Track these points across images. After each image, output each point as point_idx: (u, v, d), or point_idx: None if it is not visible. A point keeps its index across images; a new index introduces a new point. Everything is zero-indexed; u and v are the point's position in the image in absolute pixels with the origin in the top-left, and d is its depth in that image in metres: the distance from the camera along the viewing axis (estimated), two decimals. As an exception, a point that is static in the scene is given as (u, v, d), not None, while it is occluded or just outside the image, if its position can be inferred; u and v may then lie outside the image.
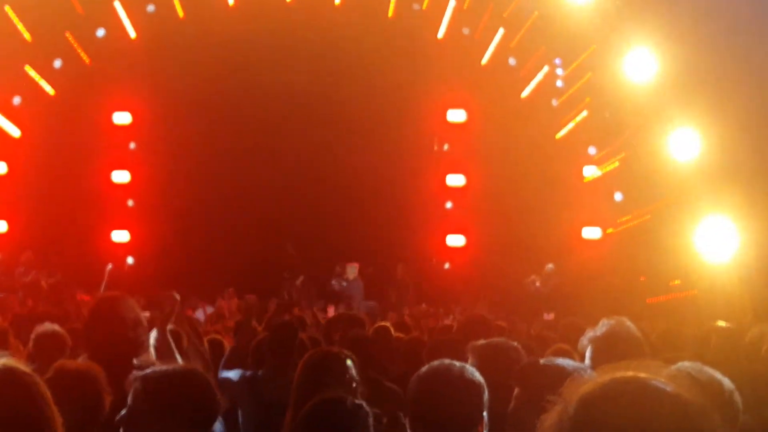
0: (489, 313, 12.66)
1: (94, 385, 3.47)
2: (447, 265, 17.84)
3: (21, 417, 2.22)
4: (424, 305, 15.40)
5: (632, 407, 1.27)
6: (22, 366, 2.34)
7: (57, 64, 16.93)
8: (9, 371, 2.27)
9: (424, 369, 2.70)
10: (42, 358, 5.14)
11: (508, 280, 16.51)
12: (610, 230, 16.09)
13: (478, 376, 2.71)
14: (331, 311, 14.39)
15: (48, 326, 5.82)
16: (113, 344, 4.20)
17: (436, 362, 2.74)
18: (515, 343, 4.67)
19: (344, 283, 15.79)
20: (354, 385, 4.23)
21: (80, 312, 10.83)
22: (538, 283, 15.85)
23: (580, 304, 13.46)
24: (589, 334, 4.34)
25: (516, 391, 3.65)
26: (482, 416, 2.63)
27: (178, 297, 5.32)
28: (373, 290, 16.19)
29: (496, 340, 4.78)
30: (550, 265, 16.00)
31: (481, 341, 4.67)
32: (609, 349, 4.04)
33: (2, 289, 15.67)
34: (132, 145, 17.48)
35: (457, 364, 2.73)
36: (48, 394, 2.27)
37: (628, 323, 4.28)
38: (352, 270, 15.93)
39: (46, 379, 2.73)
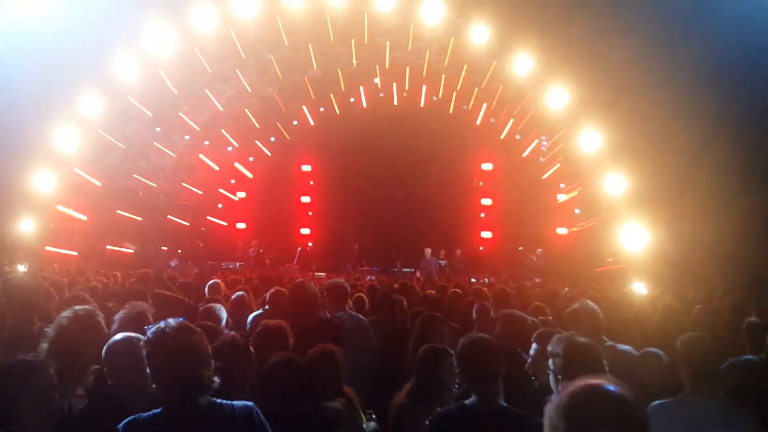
0: (507, 277, 17.82)
1: (283, 334, 4.69)
2: (481, 248, 22.96)
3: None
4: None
5: (597, 399, 1.89)
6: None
7: (272, 139, 24.19)
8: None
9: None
10: (272, 308, 6.49)
11: (517, 258, 21.43)
12: (573, 230, 20.00)
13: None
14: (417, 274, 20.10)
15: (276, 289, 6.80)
16: (302, 304, 5.82)
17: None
18: (522, 314, 5.44)
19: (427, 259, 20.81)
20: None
21: (287, 276, 13.70)
22: (534, 259, 20.57)
23: (557, 272, 17.64)
24: (568, 309, 5.30)
25: (534, 346, 4.03)
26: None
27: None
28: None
29: (513, 312, 5.51)
30: (539, 250, 20.76)
31: (504, 311, 5.56)
32: (579, 317, 5.09)
33: (243, 260, 22.05)
34: (311, 182, 24.74)
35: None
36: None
37: (590, 302, 5.32)
38: (428, 252, 20.75)
39: (259, 332, 4.64)
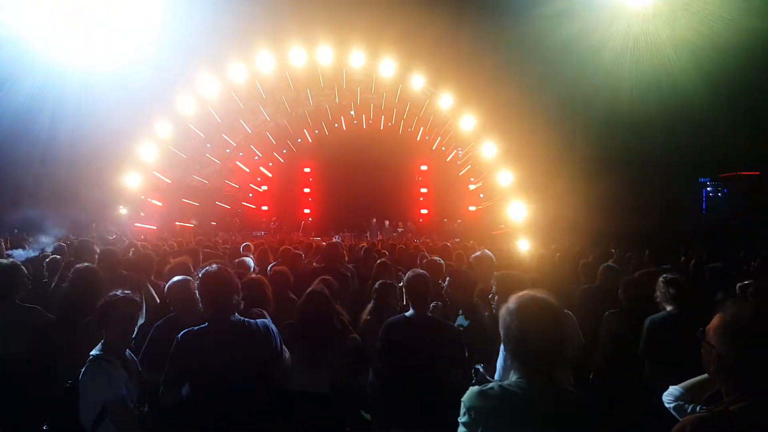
0: (437, 238, 17.16)
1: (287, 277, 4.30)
2: (421, 220, 22.98)
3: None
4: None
5: (535, 302, 1.78)
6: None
7: (284, 151, 23.09)
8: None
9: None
10: (283, 262, 5.86)
11: (443, 226, 21.10)
12: (479, 207, 19.06)
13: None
14: (380, 236, 19.45)
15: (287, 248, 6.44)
16: (332, 257, 5.62)
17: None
18: (439, 259, 5.34)
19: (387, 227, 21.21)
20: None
21: (295, 239, 13.32)
22: (455, 225, 20.42)
23: (470, 233, 17.32)
24: (473, 255, 5.14)
25: (447, 281, 3.98)
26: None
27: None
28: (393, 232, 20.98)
29: (435, 257, 5.38)
30: (459, 220, 20.77)
31: (430, 257, 5.60)
32: (481, 261, 4.90)
33: (265, 229, 21.17)
34: (310, 179, 24.19)
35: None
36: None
37: (487, 250, 5.16)
38: (387, 223, 21.47)
39: (271, 274, 4.10)
